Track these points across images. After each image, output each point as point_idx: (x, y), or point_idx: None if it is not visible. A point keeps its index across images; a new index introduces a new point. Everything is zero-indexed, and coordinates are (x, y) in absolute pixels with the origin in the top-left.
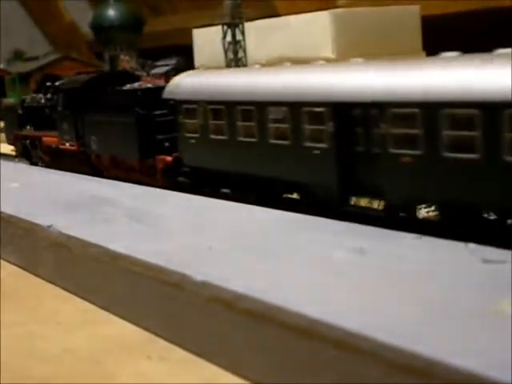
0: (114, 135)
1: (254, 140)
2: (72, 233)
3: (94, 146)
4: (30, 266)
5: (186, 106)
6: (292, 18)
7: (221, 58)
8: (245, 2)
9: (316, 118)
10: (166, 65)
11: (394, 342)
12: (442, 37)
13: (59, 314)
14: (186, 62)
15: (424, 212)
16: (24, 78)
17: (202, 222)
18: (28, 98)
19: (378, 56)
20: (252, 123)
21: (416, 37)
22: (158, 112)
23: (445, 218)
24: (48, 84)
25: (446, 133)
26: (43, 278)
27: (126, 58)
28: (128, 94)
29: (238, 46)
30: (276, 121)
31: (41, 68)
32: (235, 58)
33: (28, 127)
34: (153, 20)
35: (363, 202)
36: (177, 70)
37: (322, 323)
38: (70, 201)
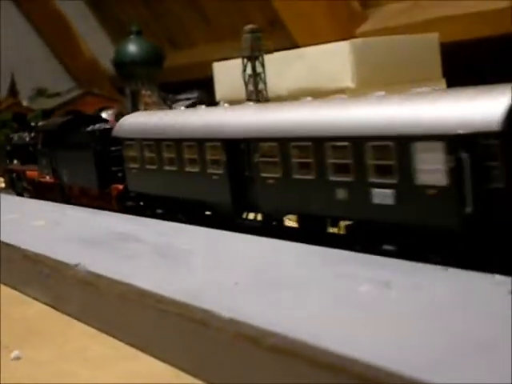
0: (79, 168)
1: (175, 169)
2: (98, 270)
3: (65, 178)
4: (57, 303)
5: (127, 142)
6: (311, 49)
7: (241, 90)
8: (264, 34)
9: (214, 151)
10: (188, 98)
11: (422, 376)
12: (463, 63)
13: (87, 351)
14: (206, 95)
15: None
16: (47, 114)
17: (227, 257)
18: (16, 136)
19: (397, 85)
20: (172, 155)
21: (436, 64)
22: (112, 148)
23: (302, 227)
24: (32, 124)
25: (294, 160)
26: (70, 316)
27: (148, 92)
28: (89, 134)
29: (258, 78)
30: (188, 153)
31: (63, 104)
32: (256, 90)
33: (15, 162)
34: (173, 54)
35: (251, 216)
36: (198, 103)
37: (349, 359)
38: (94, 238)
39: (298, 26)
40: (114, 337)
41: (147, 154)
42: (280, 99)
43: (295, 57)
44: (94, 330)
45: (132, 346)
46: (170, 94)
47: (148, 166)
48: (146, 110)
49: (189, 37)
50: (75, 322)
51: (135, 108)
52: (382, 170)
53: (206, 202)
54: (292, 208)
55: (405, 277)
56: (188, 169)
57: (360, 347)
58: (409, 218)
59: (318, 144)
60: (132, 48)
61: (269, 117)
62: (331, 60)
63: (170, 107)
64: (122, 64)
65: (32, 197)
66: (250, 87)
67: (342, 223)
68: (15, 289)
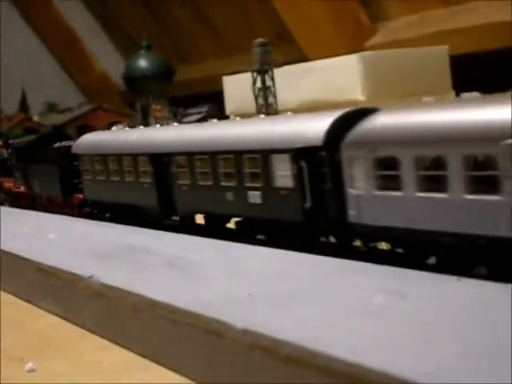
0: (47, 180)
1: (117, 179)
2: (112, 282)
3: (36, 189)
4: (70, 316)
5: (83, 157)
6: (321, 62)
7: (251, 104)
8: (273, 48)
9: (144, 163)
10: (198, 112)
11: None
12: (472, 76)
13: (101, 363)
14: (217, 108)
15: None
16: (58, 129)
17: (240, 269)
18: None
19: (407, 97)
20: (116, 168)
21: (445, 77)
22: (75, 163)
23: (207, 224)
24: (10, 141)
25: (198, 170)
26: (84, 328)
27: (158, 107)
28: (55, 150)
29: (268, 91)
30: (126, 165)
31: (74, 119)
32: (265, 103)
33: None
34: (183, 69)
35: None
36: (208, 117)
37: (364, 368)
38: (107, 250)
39: (307, 40)
40: (127, 348)
41: (97, 167)
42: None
43: (305, 70)
44: (107, 342)
45: (146, 357)
46: (180, 108)
47: (98, 178)
48: (157, 123)
49: (198, 51)
50: (89, 334)
51: (145, 122)
52: (253, 177)
53: (141, 207)
54: (199, 209)
55: (418, 287)
56: (127, 179)
57: (375, 357)
58: (271, 213)
59: (212, 157)
60: (142, 63)
61: (183, 135)
62: (341, 73)
63: (180, 121)
64: (133, 79)
65: (11, 206)
66: (260, 101)
67: (233, 220)
68: (29, 302)
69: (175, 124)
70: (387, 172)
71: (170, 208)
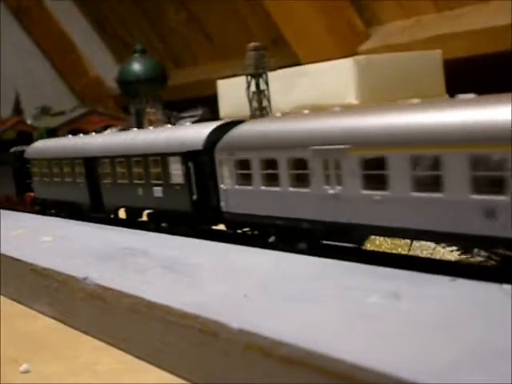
0: (4, 181)
1: (59, 180)
2: (107, 283)
3: None
4: (65, 317)
5: (33, 161)
6: (315, 66)
7: (245, 107)
8: (267, 52)
9: (79, 166)
10: (192, 116)
11: None
12: (466, 80)
13: (96, 365)
14: (211, 112)
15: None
16: (51, 133)
17: (236, 270)
18: None
19: (401, 101)
20: (58, 170)
21: (439, 81)
22: (28, 165)
23: (127, 217)
24: None
25: (118, 170)
26: (79, 330)
27: (152, 110)
28: (11, 154)
29: (262, 95)
30: (66, 168)
31: (68, 123)
32: (260, 107)
33: None
34: (177, 73)
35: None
36: (202, 121)
37: (360, 368)
38: (102, 252)
39: (301, 44)
40: (123, 350)
41: (44, 170)
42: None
43: (299, 74)
44: (103, 344)
45: (141, 358)
46: (174, 111)
47: (44, 179)
48: (150, 127)
49: (192, 55)
50: (84, 335)
51: (140, 126)
52: (156, 175)
53: (78, 203)
54: (120, 203)
55: (413, 287)
56: (66, 179)
57: (370, 357)
58: (170, 205)
59: (127, 160)
60: (136, 67)
61: (108, 141)
62: (335, 77)
63: (174, 124)
64: (127, 82)
65: None
66: (254, 104)
67: (145, 212)
68: (23, 304)
69: (105, 133)
70: (243, 171)
71: (99, 204)
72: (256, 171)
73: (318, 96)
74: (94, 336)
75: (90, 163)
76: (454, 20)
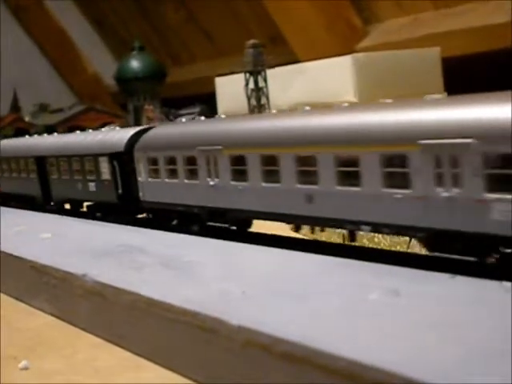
0: None
1: (16, 175)
2: (106, 281)
3: None
4: (65, 314)
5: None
6: (313, 64)
7: (244, 104)
8: (266, 49)
9: (32, 163)
10: (190, 113)
11: (434, 381)
12: (464, 77)
13: (96, 362)
14: (209, 109)
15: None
16: (49, 130)
17: (234, 267)
18: None
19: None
20: (15, 167)
21: (437, 78)
22: None
23: (71, 208)
24: None
25: (62, 168)
26: (79, 327)
27: (150, 107)
28: None
29: (260, 92)
30: (22, 165)
31: (66, 120)
32: (258, 104)
33: None
34: (175, 70)
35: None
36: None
37: (360, 365)
38: (101, 249)
39: (300, 42)
40: (122, 347)
41: (5, 167)
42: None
43: (297, 71)
44: (102, 341)
45: (140, 355)
46: (172, 109)
47: (5, 175)
48: (148, 124)
49: (191, 53)
50: (83, 332)
51: (138, 123)
52: (91, 172)
53: (32, 196)
54: (64, 196)
55: (413, 284)
56: (22, 175)
57: (370, 354)
58: (101, 198)
59: (69, 159)
60: (134, 64)
61: (55, 142)
62: (333, 74)
63: (172, 121)
64: (125, 80)
65: None
66: (253, 101)
67: (85, 204)
68: (22, 301)
69: (54, 134)
70: (153, 167)
71: (49, 197)
72: (162, 167)
73: (317, 93)
74: (93, 333)
75: (41, 161)
76: (451, 18)
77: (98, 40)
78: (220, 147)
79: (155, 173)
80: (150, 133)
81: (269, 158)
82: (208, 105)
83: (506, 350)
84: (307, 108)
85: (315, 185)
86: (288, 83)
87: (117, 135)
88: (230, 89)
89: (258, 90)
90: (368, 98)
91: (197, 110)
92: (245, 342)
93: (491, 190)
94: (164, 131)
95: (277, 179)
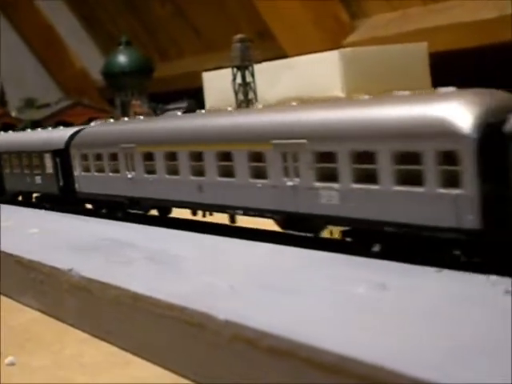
0: None
1: None
2: (92, 275)
3: None
4: (52, 310)
5: None
6: (301, 59)
7: (231, 99)
8: (253, 44)
9: None
10: (178, 108)
11: (419, 376)
12: (452, 73)
13: (83, 357)
14: (196, 104)
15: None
16: (36, 125)
17: (222, 262)
18: None
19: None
20: None
21: (424, 73)
22: None
23: (23, 200)
24: None
25: (13, 163)
26: (66, 322)
27: (138, 102)
28: None
29: (248, 87)
30: None
31: (52, 115)
32: (246, 99)
33: None
34: (163, 65)
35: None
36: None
37: (347, 359)
38: (88, 244)
39: (287, 37)
40: (109, 342)
41: None
42: None
43: (285, 66)
44: (89, 336)
45: (127, 350)
46: (160, 104)
47: None
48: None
49: (178, 48)
50: (70, 328)
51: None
52: (37, 167)
53: None
54: (16, 189)
55: (400, 278)
56: None
57: (358, 347)
58: (46, 189)
59: (19, 154)
60: (121, 59)
61: (8, 139)
62: (321, 69)
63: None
64: (112, 75)
65: None
66: (240, 96)
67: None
68: (8, 296)
69: (9, 132)
70: (85, 162)
71: (3, 189)
72: (91, 162)
73: (304, 88)
74: (80, 328)
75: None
76: (439, 13)
77: (86, 35)
78: (134, 145)
79: (87, 167)
80: (84, 132)
81: (170, 154)
82: (196, 100)
83: (493, 343)
84: (203, 111)
85: (203, 177)
86: (275, 78)
87: (59, 134)
88: (218, 84)
89: (245, 84)
90: (355, 93)
91: (184, 104)
92: (232, 337)
93: (319, 180)
94: (95, 130)
95: (176, 172)
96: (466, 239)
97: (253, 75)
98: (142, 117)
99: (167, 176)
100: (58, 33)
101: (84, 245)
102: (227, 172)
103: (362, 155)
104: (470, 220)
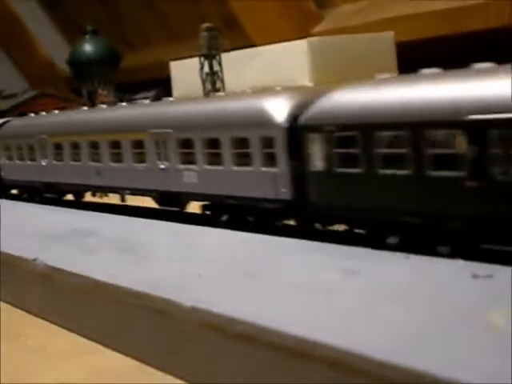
0: None
1: None
2: (57, 265)
3: None
4: (17, 300)
5: None
6: (269, 48)
7: (198, 89)
8: (221, 33)
9: None
10: (144, 97)
11: (387, 358)
12: (418, 62)
13: (48, 347)
14: (164, 94)
15: None
16: (1, 115)
17: (190, 249)
18: None
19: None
20: None
21: (391, 62)
22: None
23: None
24: None
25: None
26: (30, 312)
27: (104, 92)
28: None
29: (215, 76)
30: None
31: (18, 106)
32: (213, 88)
33: None
34: (130, 55)
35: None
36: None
37: (314, 343)
38: (54, 234)
39: (255, 26)
40: (74, 331)
41: None
42: None
43: (252, 55)
44: (53, 326)
45: (93, 340)
46: (127, 93)
47: None
48: None
49: (145, 37)
50: (35, 318)
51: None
52: None
53: None
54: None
55: (368, 264)
56: None
57: (326, 331)
58: None
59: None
60: (87, 48)
61: None
62: (288, 58)
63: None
64: (78, 64)
65: None
66: (208, 85)
67: None
68: None
69: None
70: (9, 152)
71: None
72: (14, 151)
73: (272, 77)
74: (44, 318)
75: None
76: (405, 3)
77: (51, 24)
78: (45, 136)
79: (10, 156)
80: (8, 124)
81: (74, 144)
82: (164, 89)
83: (459, 325)
84: (103, 106)
85: (100, 163)
86: (243, 67)
87: None
88: (185, 73)
89: (212, 73)
90: (322, 82)
91: (151, 94)
92: (199, 324)
93: (183, 163)
94: (17, 123)
95: (78, 159)
96: (282, 208)
97: (220, 64)
98: (56, 111)
99: (72, 163)
100: (23, 22)
101: (50, 234)
102: (118, 158)
103: (211, 142)
104: (284, 192)
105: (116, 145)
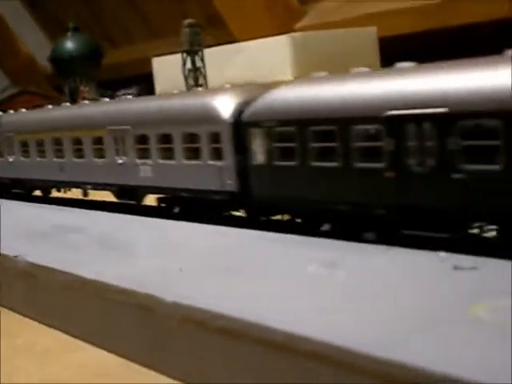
0: None
1: None
2: (40, 261)
3: None
4: (1, 299)
5: None
6: (251, 43)
7: (181, 85)
8: (203, 29)
9: None
10: (126, 94)
11: (369, 352)
12: (401, 57)
13: (33, 345)
14: (147, 90)
15: None
16: None
17: (171, 245)
18: None
19: None
20: None
21: (374, 57)
22: None
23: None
24: None
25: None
26: (14, 310)
27: (86, 89)
28: None
29: (198, 72)
30: None
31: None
32: (196, 84)
33: None
34: (112, 52)
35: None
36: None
37: (298, 337)
38: (37, 230)
39: (237, 22)
40: (58, 329)
41: None
42: None
43: (235, 51)
44: (40, 324)
45: (79, 337)
46: (109, 90)
47: None
48: None
49: (128, 34)
50: (22, 317)
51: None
52: None
53: None
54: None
55: (351, 257)
56: None
57: (309, 325)
58: None
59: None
60: (69, 45)
61: None
62: (271, 54)
63: None
64: (60, 61)
65: None
66: (190, 81)
67: None
68: None
69: None
70: None
71: None
72: None
73: (254, 73)
74: (29, 316)
75: None
76: None
77: (32, 21)
78: (13, 134)
79: None
80: None
81: (39, 141)
82: (146, 86)
83: (442, 318)
84: (67, 104)
85: (63, 159)
86: (226, 63)
87: None
88: (168, 69)
89: (195, 69)
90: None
91: (133, 91)
92: (181, 319)
93: (139, 157)
94: None
95: (43, 156)
96: (228, 199)
97: (203, 60)
98: (23, 110)
99: (38, 159)
100: (3, 18)
101: (33, 231)
102: (79, 154)
103: (164, 137)
104: (230, 184)
105: (78, 141)
